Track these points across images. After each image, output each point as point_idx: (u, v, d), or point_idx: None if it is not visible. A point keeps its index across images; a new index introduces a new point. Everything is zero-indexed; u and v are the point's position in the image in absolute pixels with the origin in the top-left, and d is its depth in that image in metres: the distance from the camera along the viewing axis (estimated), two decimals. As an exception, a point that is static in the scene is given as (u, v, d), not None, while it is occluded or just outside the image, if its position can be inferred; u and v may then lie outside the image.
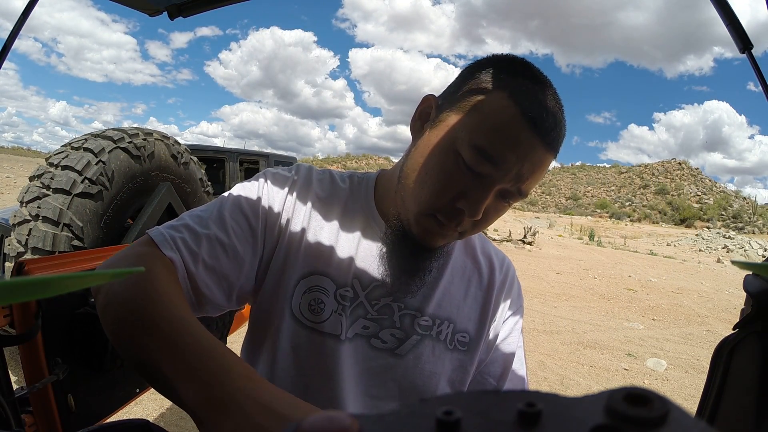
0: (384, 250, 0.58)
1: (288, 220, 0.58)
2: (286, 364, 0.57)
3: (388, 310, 0.58)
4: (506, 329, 0.66)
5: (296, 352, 0.56)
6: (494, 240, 12.98)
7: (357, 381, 0.57)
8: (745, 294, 0.86)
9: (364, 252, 0.59)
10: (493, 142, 0.48)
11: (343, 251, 0.58)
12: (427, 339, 0.59)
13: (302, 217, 0.59)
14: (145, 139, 2.19)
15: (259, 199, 0.58)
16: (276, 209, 0.58)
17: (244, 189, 0.59)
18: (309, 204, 0.60)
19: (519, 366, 0.66)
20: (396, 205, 0.57)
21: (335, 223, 0.60)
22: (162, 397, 2.57)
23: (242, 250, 0.55)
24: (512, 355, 0.65)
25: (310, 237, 0.58)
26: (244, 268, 0.55)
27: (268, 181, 0.60)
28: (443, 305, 0.61)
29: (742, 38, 0.91)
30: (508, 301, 0.66)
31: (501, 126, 0.48)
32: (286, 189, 0.60)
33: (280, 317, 0.56)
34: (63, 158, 1.99)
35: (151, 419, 2.37)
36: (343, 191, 0.63)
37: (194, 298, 0.52)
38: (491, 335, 0.64)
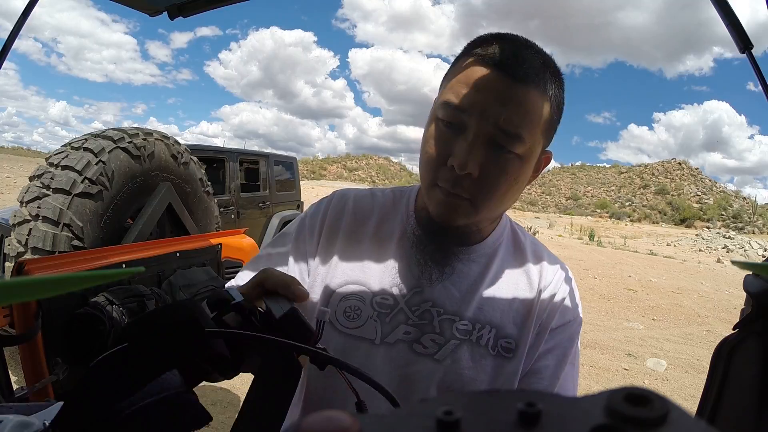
0: (415, 247, 0.59)
1: (320, 241, 0.62)
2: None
3: (428, 316, 0.58)
4: (555, 339, 0.60)
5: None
6: (494, 240, 12.96)
7: (398, 386, 0.56)
8: (745, 294, 0.86)
9: (401, 259, 0.60)
10: (458, 93, 0.50)
11: (380, 260, 0.60)
12: (465, 344, 0.57)
13: (337, 236, 0.62)
14: (145, 139, 2.19)
15: (298, 231, 0.65)
16: (310, 235, 0.63)
17: (287, 230, 0.67)
18: (344, 223, 0.63)
19: (571, 375, 0.60)
20: (420, 197, 0.61)
21: (373, 236, 0.62)
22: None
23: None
24: (561, 364, 0.59)
25: (347, 251, 0.61)
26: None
27: (307, 214, 0.66)
28: (485, 309, 0.58)
29: (742, 38, 0.91)
30: (558, 311, 0.60)
31: (465, 77, 0.51)
32: (319, 217, 0.64)
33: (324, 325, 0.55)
34: (63, 158, 1.99)
35: (151, 419, 2.38)
36: (382, 206, 0.65)
37: None
38: (539, 344, 0.59)
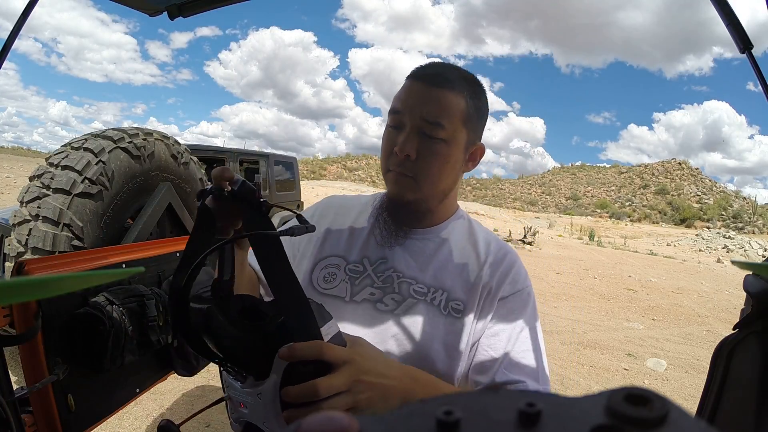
0: (381, 226, 0.75)
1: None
2: None
3: (390, 279, 0.71)
4: (505, 308, 0.71)
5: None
6: (494, 240, 12.95)
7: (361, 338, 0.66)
8: (745, 294, 0.86)
9: (371, 237, 0.76)
10: (397, 102, 0.69)
11: (356, 239, 0.77)
12: (421, 303, 0.69)
13: (325, 223, 0.80)
14: (145, 139, 2.19)
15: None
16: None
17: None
18: (329, 216, 0.81)
19: (527, 342, 0.69)
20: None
21: (352, 223, 0.79)
22: (162, 397, 2.58)
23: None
24: (514, 332, 0.69)
25: (331, 234, 0.78)
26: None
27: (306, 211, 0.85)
28: (438, 277, 0.71)
29: (742, 38, 0.91)
30: (505, 281, 0.72)
31: (401, 92, 0.70)
32: (310, 212, 0.84)
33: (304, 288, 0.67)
34: (63, 158, 1.98)
35: (151, 419, 2.38)
36: (363, 204, 0.83)
37: None
38: (487, 312, 0.70)
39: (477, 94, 0.70)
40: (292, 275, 0.51)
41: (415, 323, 0.68)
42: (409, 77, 0.71)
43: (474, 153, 0.73)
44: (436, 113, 0.66)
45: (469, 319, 0.69)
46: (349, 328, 0.66)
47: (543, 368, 0.69)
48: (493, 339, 0.68)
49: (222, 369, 0.56)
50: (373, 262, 0.73)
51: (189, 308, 0.55)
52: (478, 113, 0.71)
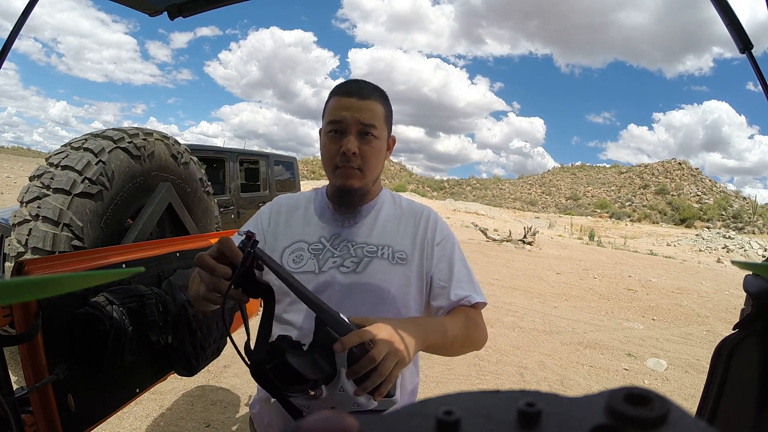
0: (331, 211, 0.94)
1: (270, 226, 0.96)
2: (288, 300, 0.88)
3: (345, 248, 0.89)
4: (441, 250, 0.93)
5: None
6: (494, 240, 12.97)
7: (338, 299, 0.84)
8: (745, 294, 0.86)
9: (324, 222, 0.94)
10: (336, 114, 0.87)
11: (310, 225, 0.94)
12: (375, 258, 0.88)
13: (280, 219, 0.97)
14: (145, 139, 2.19)
15: (260, 219, 0.99)
16: (265, 223, 0.97)
17: (258, 213, 1.02)
18: (283, 212, 0.98)
19: (463, 269, 0.93)
20: (329, 185, 0.96)
21: (303, 214, 0.96)
22: (162, 397, 2.58)
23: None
24: (452, 264, 0.92)
25: (288, 226, 0.95)
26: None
27: (262, 212, 1.01)
28: (382, 237, 0.92)
29: (742, 38, 0.91)
30: (436, 232, 0.95)
31: (336, 105, 0.87)
32: (266, 214, 0.99)
33: None
34: (63, 158, 1.98)
35: (151, 419, 2.38)
36: (307, 198, 1.01)
37: None
38: (431, 256, 0.92)
39: (387, 100, 0.93)
40: (311, 295, 0.68)
41: (374, 275, 0.87)
42: (337, 94, 0.89)
43: (390, 144, 0.96)
44: (369, 118, 0.86)
45: (414, 264, 0.90)
46: (322, 295, 0.81)
47: (477, 285, 0.93)
48: (440, 273, 0.91)
49: (299, 401, 0.67)
50: (328, 239, 0.91)
51: (268, 375, 0.63)
52: (390, 114, 0.94)
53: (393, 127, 0.96)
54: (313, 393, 0.65)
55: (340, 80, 0.93)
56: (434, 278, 0.91)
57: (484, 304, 0.91)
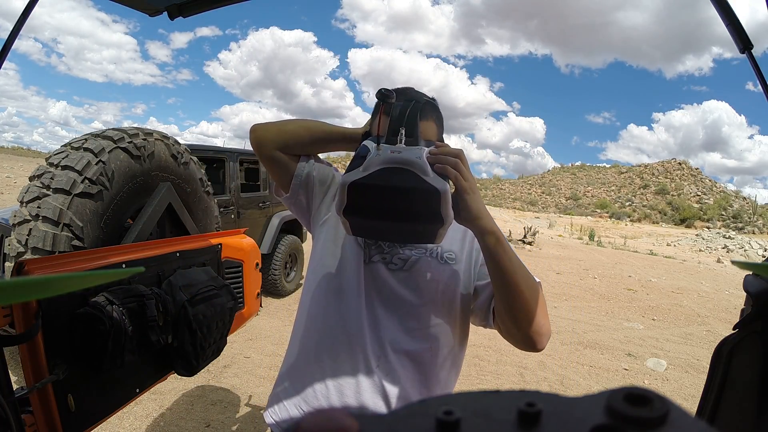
0: None
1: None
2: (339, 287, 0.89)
3: (393, 246, 0.89)
4: (479, 262, 0.89)
5: (355, 265, 0.88)
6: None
7: (385, 296, 0.85)
8: (745, 294, 0.86)
9: None
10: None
11: None
12: (423, 257, 0.87)
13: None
14: (145, 139, 2.19)
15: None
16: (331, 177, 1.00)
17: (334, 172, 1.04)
18: None
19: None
20: None
21: None
22: (162, 397, 2.58)
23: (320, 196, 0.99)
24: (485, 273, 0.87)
25: None
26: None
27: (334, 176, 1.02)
28: None
29: (742, 38, 0.91)
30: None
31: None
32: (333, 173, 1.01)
33: (347, 239, 0.91)
34: (63, 158, 1.98)
35: (151, 419, 2.38)
36: None
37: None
38: (478, 263, 0.89)
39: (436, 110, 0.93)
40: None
41: (421, 273, 0.86)
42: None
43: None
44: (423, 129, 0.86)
45: (461, 264, 0.88)
46: (366, 287, 0.86)
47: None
48: (484, 277, 0.86)
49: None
50: None
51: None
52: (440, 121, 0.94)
53: None
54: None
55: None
56: (481, 276, 0.88)
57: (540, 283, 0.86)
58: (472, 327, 0.93)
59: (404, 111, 0.79)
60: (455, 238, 0.91)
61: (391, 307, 0.85)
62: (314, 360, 0.86)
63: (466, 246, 0.91)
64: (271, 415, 0.91)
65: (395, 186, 0.69)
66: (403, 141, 0.76)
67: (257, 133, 0.94)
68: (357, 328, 0.84)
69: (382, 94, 0.74)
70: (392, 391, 0.82)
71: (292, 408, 0.87)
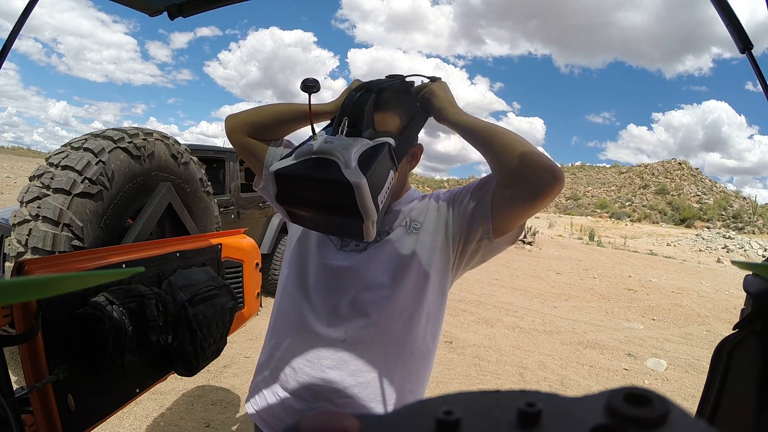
0: None
1: None
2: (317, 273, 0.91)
3: None
4: (451, 196, 0.92)
5: (318, 249, 0.92)
6: (494, 240, 12.95)
7: (357, 271, 0.87)
8: (745, 294, 0.86)
9: None
10: None
11: None
12: (396, 229, 0.89)
13: None
14: (145, 139, 2.19)
15: None
16: None
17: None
18: None
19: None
20: None
21: None
22: (162, 397, 2.58)
23: None
24: (468, 188, 0.90)
25: None
26: None
27: None
28: (404, 217, 0.91)
29: (742, 38, 0.91)
30: (440, 195, 0.94)
31: None
32: None
33: (309, 242, 0.94)
34: (63, 158, 1.98)
35: (151, 419, 2.38)
36: None
37: None
38: (446, 210, 0.90)
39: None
40: None
41: (392, 243, 0.88)
42: None
43: (415, 150, 0.94)
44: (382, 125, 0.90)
45: (424, 229, 0.89)
46: (341, 260, 0.88)
47: None
48: (469, 200, 0.87)
49: None
50: None
51: None
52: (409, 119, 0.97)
53: None
54: None
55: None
56: (464, 207, 0.88)
57: None
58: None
59: (352, 102, 0.79)
60: (419, 212, 0.92)
61: (357, 285, 0.86)
62: (284, 346, 0.89)
63: (429, 211, 0.91)
64: (252, 406, 0.93)
65: (313, 177, 0.69)
66: (344, 132, 0.75)
67: (227, 121, 0.97)
68: (321, 312, 0.86)
69: (306, 85, 0.73)
70: (361, 366, 0.83)
71: (270, 396, 0.89)
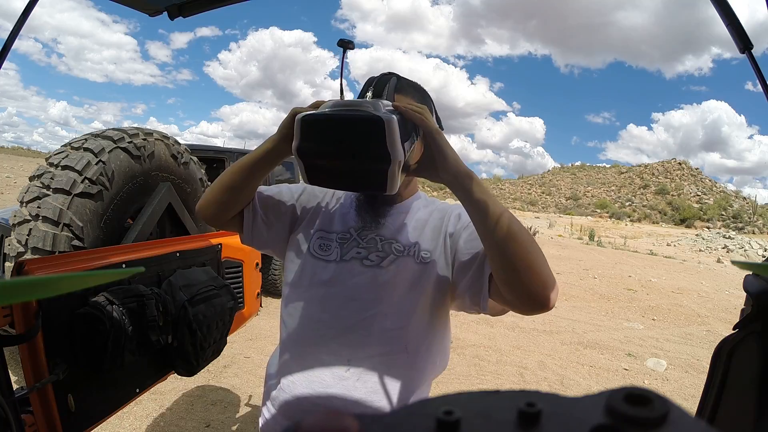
0: (360, 207, 0.92)
1: (304, 206, 0.97)
2: (309, 286, 0.88)
3: (373, 242, 0.87)
4: (458, 232, 0.87)
5: (312, 276, 0.88)
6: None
7: (351, 290, 0.84)
8: (745, 294, 0.86)
9: (353, 215, 0.92)
10: None
11: (342, 216, 0.93)
12: (401, 257, 0.85)
13: (314, 200, 0.97)
14: (145, 139, 2.19)
15: (291, 192, 0.98)
16: (297, 200, 0.97)
17: (287, 186, 1.00)
18: (319, 195, 0.98)
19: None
20: None
21: (335, 203, 0.97)
22: (162, 397, 2.58)
23: (281, 216, 0.95)
24: (471, 249, 0.84)
25: (322, 211, 0.95)
26: (278, 226, 0.94)
27: (301, 189, 1.00)
28: (411, 236, 0.89)
29: (742, 38, 0.91)
30: (449, 224, 0.89)
31: None
32: (302, 187, 0.99)
33: (305, 256, 0.90)
34: (63, 158, 1.99)
35: (151, 419, 2.38)
36: (340, 193, 0.99)
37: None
38: (449, 247, 0.86)
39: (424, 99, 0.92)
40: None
41: (398, 273, 0.84)
42: None
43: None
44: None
45: (435, 263, 0.85)
46: (339, 283, 0.85)
47: None
48: (468, 246, 0.83)
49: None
50: (357, 230, 0.90)
51: None
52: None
53: None
54: None
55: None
56: (460, 251, 0.84)
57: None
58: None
59: (373, 79, 0.83)
60: (433, 236, 0.89)
61: (361, 308, 0.83)
62: (290, 369, 0.87)
63: (439, 242, 0.87)
64: (261, 417, 0.93)
65: (342, 116, 0.69)
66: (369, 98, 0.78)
67: (199, 213, 0.91)
68: (324, 334, 0.84)
69: (344, 42, 0.74)
70: (364, 395, 0.81)
71: (277, 416, 0.88)
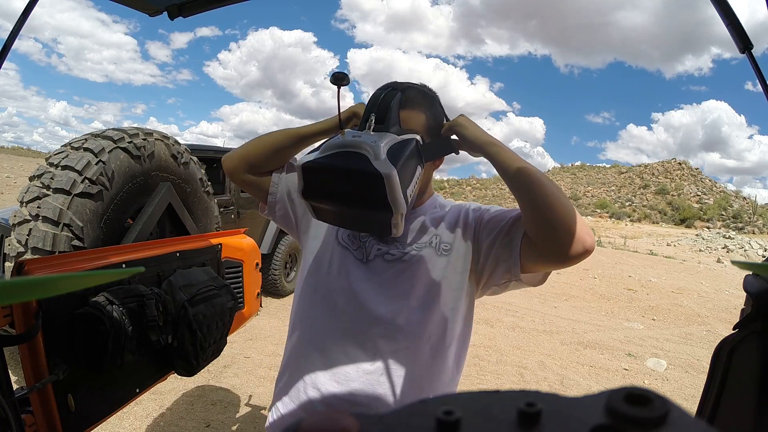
0: None
1: None
2: (338, 276, 0.88)
3: (393, 239, 0.87)
4: (477, 221, 0.88)
5: (340, 267, 0.88)
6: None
7: (378, 287, 0.85)
8: (745, 294, 0.86)
9: None
10: None
11: None
12: (424, 249, 0.86)
13: None
14: (145, 139, 2.19)
15: None
16: None
17: None
18: None
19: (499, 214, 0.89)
20: None
21: None
22: (162, 397, 2.58)
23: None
24: (496, 221, 0.86)
25: None
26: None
27: None
28: (429, 232, 0.89)
29: (742, 38, 0.91)
30: (469, 216, 0.90)
31: None
32: None
33: (333, 242, 0.91)
34: (63, 158, 1.99)
35: (151, 419, 2.38)
36: None
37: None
38: (471, 236, 0.87)
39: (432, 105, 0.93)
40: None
41: (420, 264, 0.85)
42: None
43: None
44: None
45: (455, 251, 0.86)
46: (366, 283, 0.85)
47: None
48: (491, 225, 0.85)
49: None
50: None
51: None
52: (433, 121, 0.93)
53: None
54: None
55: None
56: (481, 233, 0.86)
57: None
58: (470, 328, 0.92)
59: (378, 98, 0.79)
60: (447, 231, 0.89)
61: (386, 301, 0.84)
62: (309, 366, 0.86)
63: (458, 234, 0.88)
64: (270, 415, 0.92)
65: (341, 168, 0.68)
66: (372, 127, 0.75)
67: (225, 163, 0.97)
68: (349, 327, 0.84)
69: (336, 77, 0.73)
70: (387, 390, 0.81)
71: (297, 410, 0.87)
